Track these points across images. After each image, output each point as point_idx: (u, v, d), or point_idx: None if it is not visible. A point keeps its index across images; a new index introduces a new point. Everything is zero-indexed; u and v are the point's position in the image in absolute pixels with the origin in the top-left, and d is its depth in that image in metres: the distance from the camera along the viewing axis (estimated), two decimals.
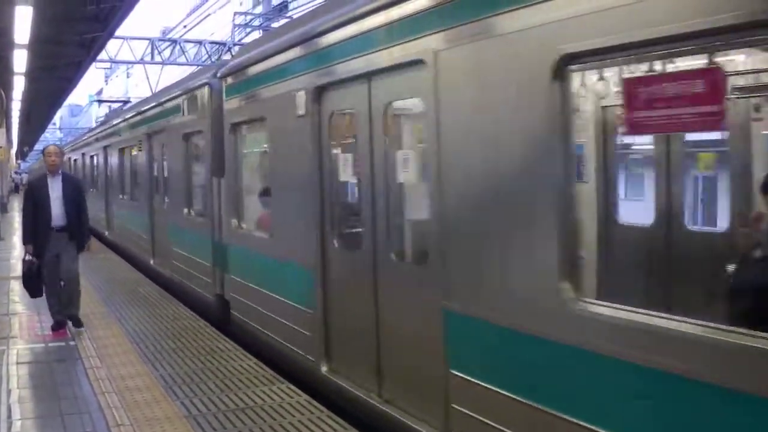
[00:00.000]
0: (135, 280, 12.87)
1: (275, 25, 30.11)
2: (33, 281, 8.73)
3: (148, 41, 30.58)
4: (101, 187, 21.21)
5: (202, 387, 6.47)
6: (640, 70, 3.90)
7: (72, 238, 8.78)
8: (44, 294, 8.84)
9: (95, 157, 22.98)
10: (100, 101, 31.96)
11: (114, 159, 18.45)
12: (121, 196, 17.42)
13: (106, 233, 19.72)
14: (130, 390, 6.41)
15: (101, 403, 6.07)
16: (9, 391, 6.48)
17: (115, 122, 18.57)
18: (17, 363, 7.38)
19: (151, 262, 13.63)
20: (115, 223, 18.70)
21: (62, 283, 8.83)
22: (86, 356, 7.58)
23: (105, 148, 19.94)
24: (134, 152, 15.64)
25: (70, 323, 8.87)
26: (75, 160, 28.82)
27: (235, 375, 6.81)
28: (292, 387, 6.41)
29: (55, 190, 8.76)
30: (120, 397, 6.23)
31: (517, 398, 4.04)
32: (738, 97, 4.91)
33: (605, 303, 3.54)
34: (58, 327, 8.75)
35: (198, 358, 7.42)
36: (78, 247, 8.89)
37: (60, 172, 8.94)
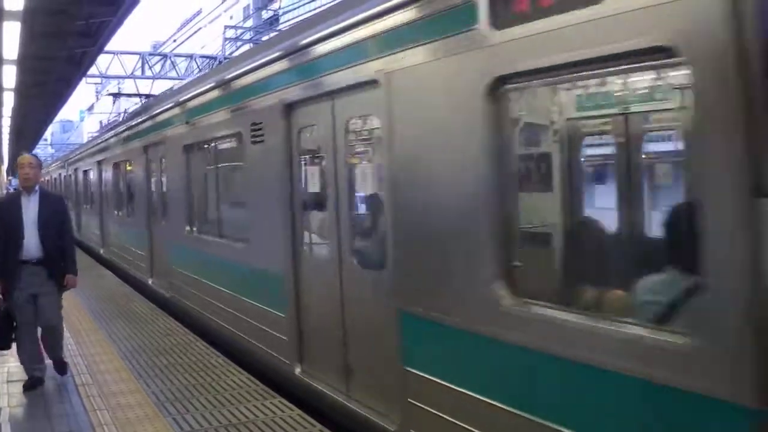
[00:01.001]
0: (125, 295, 12.81)
1: (265, 38, 30.21)
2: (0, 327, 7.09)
3: (138, 56, 30.60)
4: (139, 212, 14.28)
5: (194, 403, 6.44)
6: None
7: (52, 276, 7.06)
8: (17, 342, 7.25)
9: (125, 167, 16.20)
10: (116, 95, 29.26)
11: (169, 166, 11.72)
12: (188, 229, 10.57)
13: (150, 281, 13.23)
14: (122, 407, 6.38)
15: (93, 421, 6.04)
16: (0, 410, 6.45)
17: (168, 106, 11.66)
18: (8, 381, 7.34)
19: (298, 370, 6.74)
20: (172, 271, 11.37)
21: (40, 330, 7.31)
22: (77, 373, 7.54)
23: (146, 149, 13.31)
24: (224, 151, 9.63)
25: (51, 364, 7.46)
26: (86, 173, 22.65)
27: (227, 390, 6.78)
28: (285, 402, 6.39)
29: (30, 213, 7.01)
30: (111, 414, 6.20)
31: None
32: None
33: None
34: (31, 386, 7.02)
35: (190, 374, 7.39)
36: (59, 285, 7.20)
37: (37, 189, 7.17)
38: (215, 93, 9.13)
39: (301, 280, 6.80)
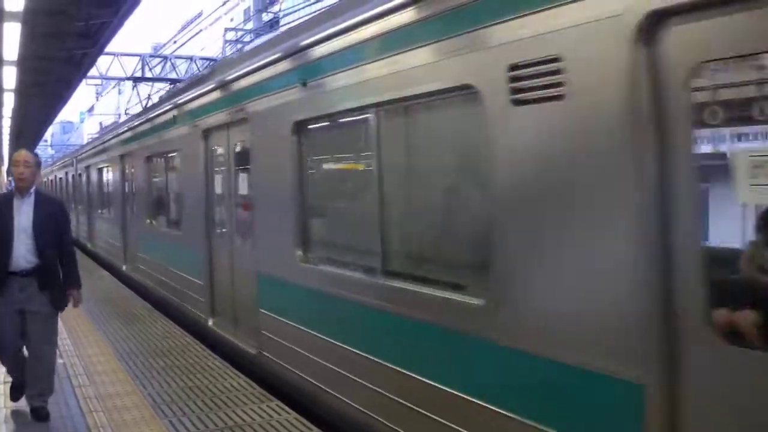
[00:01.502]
0: (125, 297, 12.78)
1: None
2: None
3: (138, 57, 30.59)
4: (188, 222, 10.47)
5: (191, 405, 6.43)
6: None
7: (45, 288, 6.06)
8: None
9: (163, 162, 12.47)
10: (136, 79, 26.57)
11: (259, 157, 7.83)
12: (300, 256, 6.82)
13: (210, 322, 9.56)
14: (119, 409, 6.35)
15: (89, 423, 6.02)
16: None
17: (258, 64, 7.62)
18: (4, 382, 7.29)
19: None
20: (264, 318, 7.58)
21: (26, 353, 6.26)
22: (74, 374, 7.51)
23: (206, 134, 9.55)
24: (405, 127, 5.64)
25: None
26: (101, 171, 19.17)
27: (224, 393, 6.76)
28: (282, 405, 6.37)
29: (23, 219, 6.03)
30: (108, 416, 6.18)
31: None
32: None
33: None
34: (18, 395, 6.44)
35: (187, 377, 7.37)
36: (55, 302, 6.17)
37: (32, 192, 6.20)
38: (388, 22, 5.17)
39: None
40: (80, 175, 23.74)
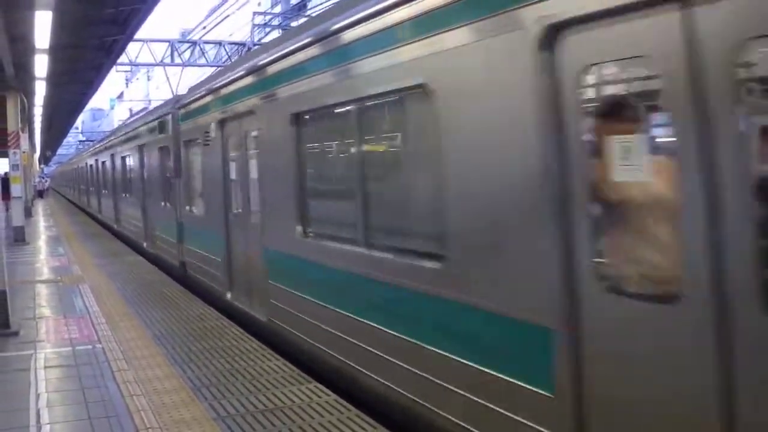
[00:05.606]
0: (161, 281, 12.86)
1: (294, 24, 30.14)
2: None
3: (167, 43, 30.74)
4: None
5: (230, 388, 6.43)
6: None
7: None
8: None
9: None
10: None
11: None
12: None
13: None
14: (158, 392, 6.38)
15: (129, 407, 6.03)
16: (38, 396, 6.47)
17: None
18: (45, 367, 7.38)
19: None
20: None
21: None
22: (113, 359, 7.56)
23: None
24: None
25: None
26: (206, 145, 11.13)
27: (263, 375, 6.76)
28: (321, 387, 6.35)
29: None
30: (148, 399, 6.20)
31: None
32: None
33: None
34: None
35: (225, 359, 7.38)
36: None
37: None
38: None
39: None
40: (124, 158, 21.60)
